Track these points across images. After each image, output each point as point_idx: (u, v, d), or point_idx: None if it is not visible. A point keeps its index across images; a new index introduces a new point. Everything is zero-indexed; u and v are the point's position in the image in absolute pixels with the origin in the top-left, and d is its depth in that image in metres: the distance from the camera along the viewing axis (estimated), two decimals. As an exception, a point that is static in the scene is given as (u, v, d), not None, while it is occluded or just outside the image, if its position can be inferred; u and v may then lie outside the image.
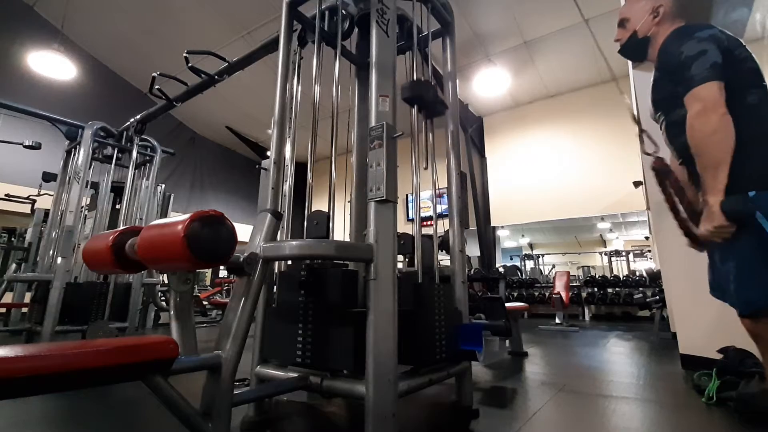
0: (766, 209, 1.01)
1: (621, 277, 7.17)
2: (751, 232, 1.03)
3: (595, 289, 6.90)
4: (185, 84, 3.18)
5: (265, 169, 1.72)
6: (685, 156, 1.22)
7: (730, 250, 1.10)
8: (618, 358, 3.05)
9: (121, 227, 1.30)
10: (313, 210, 1.68)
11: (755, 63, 1.12)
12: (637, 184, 6.17)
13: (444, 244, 1.84)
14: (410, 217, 7.93)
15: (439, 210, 1.86)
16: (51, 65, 5.57)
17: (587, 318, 6.66)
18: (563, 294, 5.26)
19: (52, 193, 4.27)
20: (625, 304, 6.49)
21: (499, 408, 1.80)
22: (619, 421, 1.57)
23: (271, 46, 2.51)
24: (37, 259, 4.22)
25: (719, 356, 1.99)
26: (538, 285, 7.58)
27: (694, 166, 1.17)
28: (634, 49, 1.37)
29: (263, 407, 1.55)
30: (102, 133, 3.89)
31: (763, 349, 1.09)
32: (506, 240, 11.88)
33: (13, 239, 5.89)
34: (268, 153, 1.63)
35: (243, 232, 1.20)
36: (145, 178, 4.16)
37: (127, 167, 3.89)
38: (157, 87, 3.14)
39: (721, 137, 1.05)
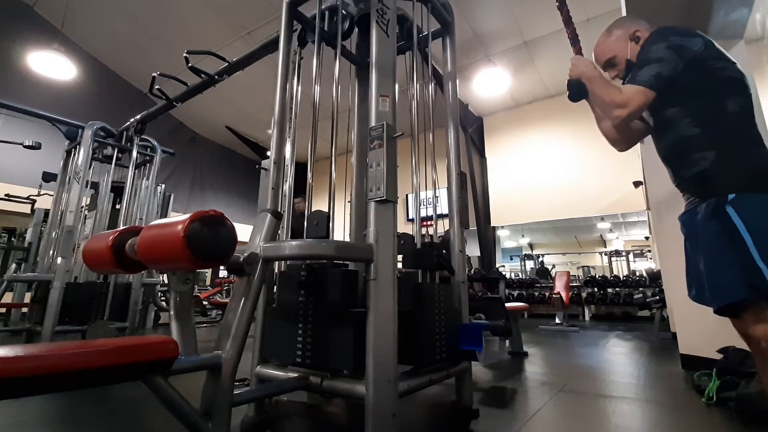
0: (742, 209, 1.05)
1: (621, 277, 7.17)
2: (723, 228, 1.07)
3: (595, 289, 6.90)
4: (185, 84, 3.18)
5: (265, 169, 1.72)
6: (668, 158, 1.28)
7: (703, 247, 1.14)
8: (618, 358, 3.05)
9: (121, 227, 1.30)
10: (313, 210, 1.68)
11: (738, 74, 1.17)
12: (637, 184, 6.18)
13: (444, 244, 1.84)
14: (410, 217, 7.93)
15: (439, 210, 1.86)
16: (51, 65, 5.57)
17: (587, 318, 6.66)
18: (563, 294, 5.27)
19: (52, 193, 4.27)
20: (625, 304, 6.49)
21: (499, 408, 1.80)
22: (619, 421, 1.57)
23: (271, 46, 2.51)
24: (37, 259, 4.23)
25: (719, 356, 1.99)
26: (538, 285, 7.58)
27: (675, 166, 1.25)
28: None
29: (263, 407, 1.55)
30: (102, 133, 3.89)
31: (754, 350, 1.10)
32: (506, 240, 11.88)
33: (13, 239, 5.89)
34: (268, 153, 1.63)
35: (243, 232, 1.20)
36: (145, 178, 4.16)
37: (127, 167, 3.89)
38: (157, 87, 3.14)
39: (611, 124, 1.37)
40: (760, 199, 1.05)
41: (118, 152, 4.01)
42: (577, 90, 1.42)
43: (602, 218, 9.24)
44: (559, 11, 1.57)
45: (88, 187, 3.87)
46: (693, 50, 1.16)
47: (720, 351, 2.00)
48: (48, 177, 4.57)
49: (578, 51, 1.51)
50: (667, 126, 1.23)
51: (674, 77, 1.16)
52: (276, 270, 1.63)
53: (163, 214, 5.21)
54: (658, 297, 4.53)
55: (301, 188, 1.70)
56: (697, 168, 1.15)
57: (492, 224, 7.81)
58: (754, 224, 1.03)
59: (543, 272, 8.46)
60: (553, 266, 10.36)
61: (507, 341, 3.20)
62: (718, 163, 1.11)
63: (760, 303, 1.03)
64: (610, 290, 6.76)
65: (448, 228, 1.86)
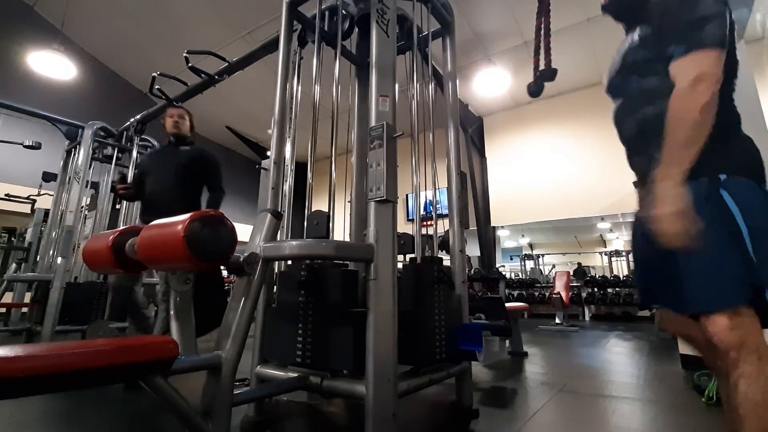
0: (737, 194, 0.90)
1: (621, 277, 7.17)
2: (719, 213, 0.90)
3: (595, 289, 6.90)
4: (185, 84, 3.18)
5: (265, 169, 1.73)
6: (646, 133, 1.08)
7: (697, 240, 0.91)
8: (618, 358, 3.05)
9: (121, 227, 1.30)
10: (313, 210, 1.68)
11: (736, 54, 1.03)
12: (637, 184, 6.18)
13: (444, 244, 1.84)
14: (410, 217, 7.93)
15: (438, 210, 1.86)
16: (51, 65, 5.56)
17: (587, 318, 6.66)
18: (563, 294, 5.27)
19: (52, 193, 4.27)
20: (625, 304, 6.49)
21: (499, 408, 1.80)
22: (619, 421, 1.57)
23: (271, 46, 2.52)
24: (37, 259, 4.23)
25: (719, 356, 1.98)
26: (538, 285, 7.58)
27: (654, 141, 0.99)
28: (624, 4, 1.12)
29: (263, 407, 1.55)
30: (102, 133, 3.89)
31: (720, 362, 0.86)
32: (506, 240, 11.88)
33: (13, 239, 5.88)
34: (268, 153, 1.63)
35: (243, 232, 1.20)
36: (145, 178, 4.16)
37: (127, 167, 3.89)
38: (157, 87, 3.14)
39: (707, 119, 0.89)
40: (751, 186, 0.92)
41: (118, 152, 4.01)
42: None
43: (602, 218, 9.22)
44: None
45: (88, 187, 3.87)
46: (728, 16, 0.96)
47: (720, 351, 2.00)
48: (48, 177, 4.57)
49: (548, 63, 1.32)
50: (651, 96, 1.03)
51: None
52: (276, 270, 1.63)
53: (163, 214, 5.20)
54: (658, 297, 4.52)
55: (301, 188, 1.69)
56: None
57: (492, 224, 7.80)
58: (749, 212, 0.89)
59: (581, 273, 8.22)
60: (553, 266, 10.36)
61: (507, 341, 3.21)
62: (712, 142, 0.91)
63: (743, 305, 0.84)
64: (610, 290, 6.76)
65: (448, 228, 1.86)
